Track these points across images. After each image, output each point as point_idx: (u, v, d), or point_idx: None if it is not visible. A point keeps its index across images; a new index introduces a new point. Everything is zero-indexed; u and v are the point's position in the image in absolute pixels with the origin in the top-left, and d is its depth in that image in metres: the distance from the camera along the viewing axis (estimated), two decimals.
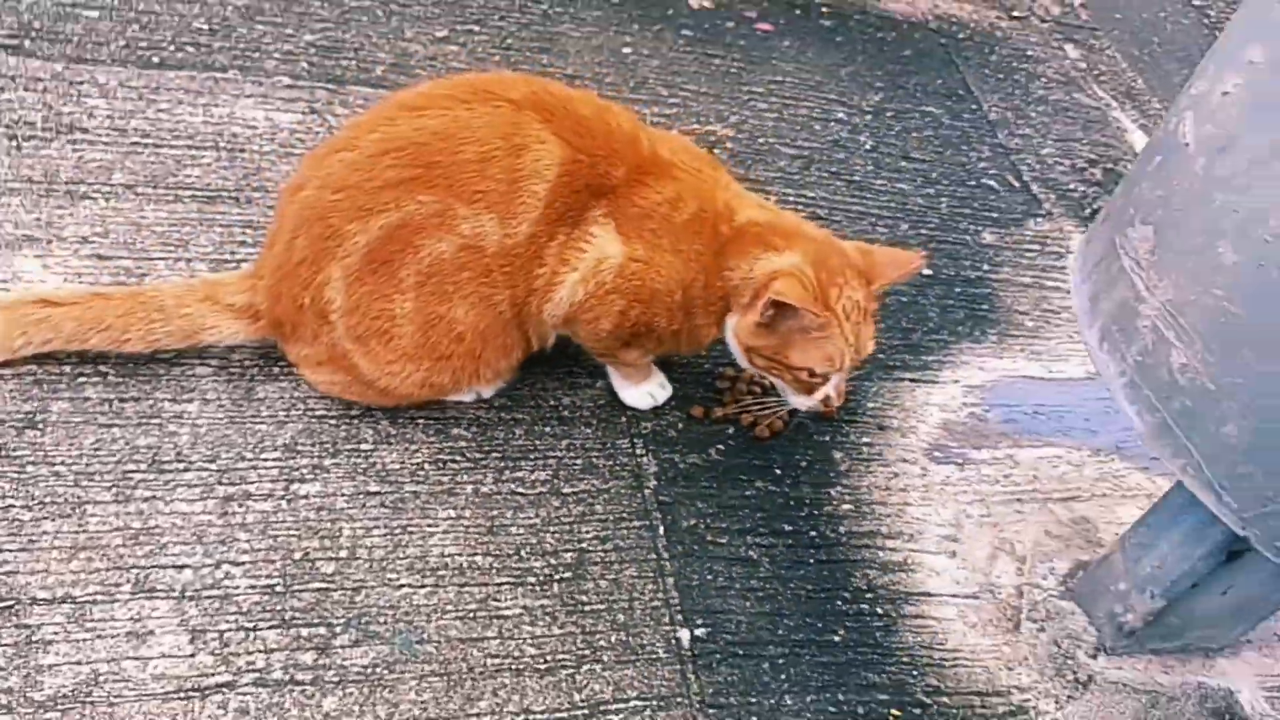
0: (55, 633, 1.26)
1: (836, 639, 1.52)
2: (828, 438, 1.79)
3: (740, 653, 1.46)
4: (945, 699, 1.48)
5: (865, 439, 1.81)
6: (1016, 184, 2.48)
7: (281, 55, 2.12)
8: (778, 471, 1.71)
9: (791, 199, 2.22)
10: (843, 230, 2.19)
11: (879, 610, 1.57)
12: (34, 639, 1.25)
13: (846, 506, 1.70)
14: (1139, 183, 1.29)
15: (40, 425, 1.44)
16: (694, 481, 1.66)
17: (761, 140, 2.34)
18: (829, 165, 2.35)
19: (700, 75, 2.45)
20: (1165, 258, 1.21)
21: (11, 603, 1.27)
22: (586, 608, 1.46)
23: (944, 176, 2.43)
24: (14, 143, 1.79)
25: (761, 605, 1.53)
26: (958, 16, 2.99)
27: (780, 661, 1.47)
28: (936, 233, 2.28)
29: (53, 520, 1.35)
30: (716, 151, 2.27)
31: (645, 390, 1.71)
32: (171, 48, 2.06)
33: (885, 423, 1.85)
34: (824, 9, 2.82)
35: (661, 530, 1.58)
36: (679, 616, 1.48)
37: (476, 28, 2.38)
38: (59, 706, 1.20)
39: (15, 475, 1.38)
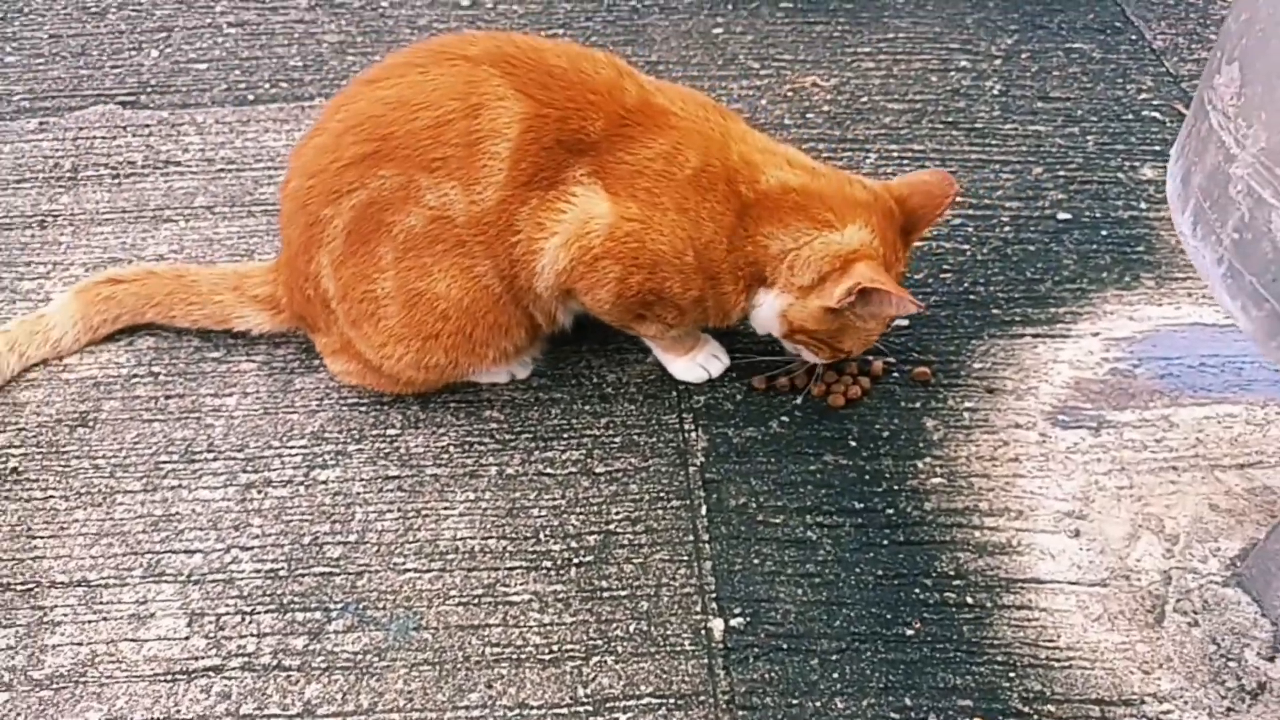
0: (65, 614, 1.27)
1: (909, 633, 1.25)
2: (918, 404, 1.53)
3: (784, 646, 1.24)
4: (1050, 707, 1.17)
5: (968, 404, 1.53)
6: (1187, 111, 2.07)
7: None
8: (852, 443, 1.47)
9: (895, 154, 1.98)
10: (959, 181, 1.91)
11: (969, 600, 1.28)
12: (45, 620, 1.26)
13: (937, 480, 1.42)
14: (1226, 22, 0.99)
15: (90, 423, 1.50)
16: (748, 457, 1.45)
17: (864, 99, 2.11)
18: (945, 115, 2.08)
19: (798, 44, 2.27)
20: (1252, 96, 0.91)
21: (33, 585, 1.30)
22: (605, 594, 1.29)
23: (1092, 113, 2.08)
24: (115, 179, 1.93)
25: (816, 593, 1.29)
26: None
27: (834, 658, 1.23)
28: (1079, 173, 1.94)
29: (84, 509, 1.39)
30: (806, 105, 2.07)
31: (695, 361, 1.53)
32: (266, 85, 2.17)
33: (995, 384, 1.55)
34: None
35: (704, 510, 1.39)
36: (713, 605, 1.28)
37: (562, 31, 2.34)
38: (53, 685, 1.20)
39: (60, 469, 1.44)
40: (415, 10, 2.39)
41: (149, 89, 2.16)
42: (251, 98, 2.13)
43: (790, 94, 2.12)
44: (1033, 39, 2.29)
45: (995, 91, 2.14)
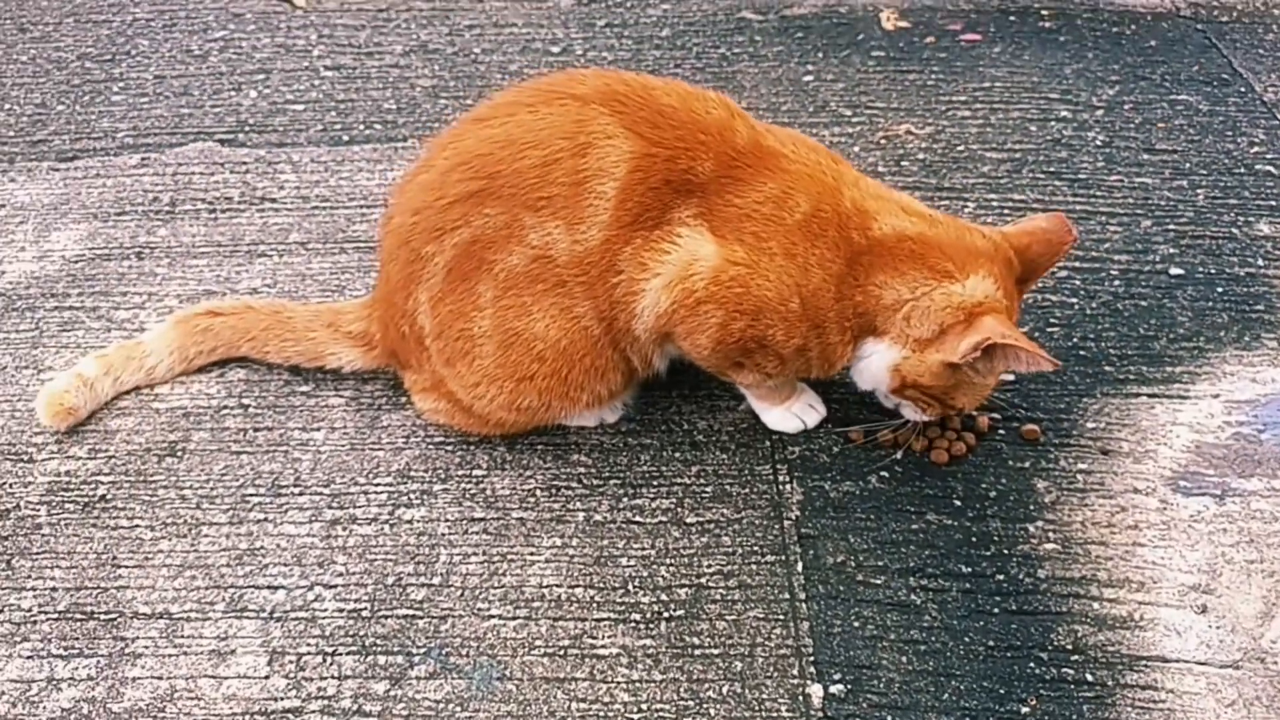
0: (146, 646, 1.25)
1: (1024, 710, 1.16)
2: (1027, 464, 1.45)
3: (888, 718, 1.16)
4: None
5: (1081, 466, 1.44)
6: None
7: None
8: (957, 503, 1.40)
9: (995, 203, 1.92)
10: None
11: (1089, 677, 1.19)
12: (127, 651, 1.24)
13: (1050, 546, 1.34)
14: None
15: (179, 453, 1.49)
16: (846, 512, 1.39)
17: (961, 147, 2.07)
18: (1046, 165, 2.02)
19: (890, 92, 2.24)
20: None
21: (116, 615, 1.28)
22: (697, 652, 1.23)
23: (1201, 166, 2.00)
24: (212, 214, 1.97)
25: (923, 661, 1.22)
26: (1220, 1, 2.54)
27: None
28: (1190, 227, 1.86)
29: (169, 540, 1.37)
30: (901, 153, 2.03)
31: (790, 411, 1.48)
32: (361, 126, 2.20)
33: (1111, 446, 1.47)
34: (1044, 12, 2.51)
35: (800, 567, 1.32)
36: (811, 669, 1.21)
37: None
38: (131, 718, 1.17)
39: (148, 498, 1.43)
40: (507, 56, 2.41)
41: (247, 128, 2.20)
42: (346, 138, 2.16)
43: (883, 141, 2.08)
44: (1135, 90, 2.23)
45: (1098, 142, 2.08)
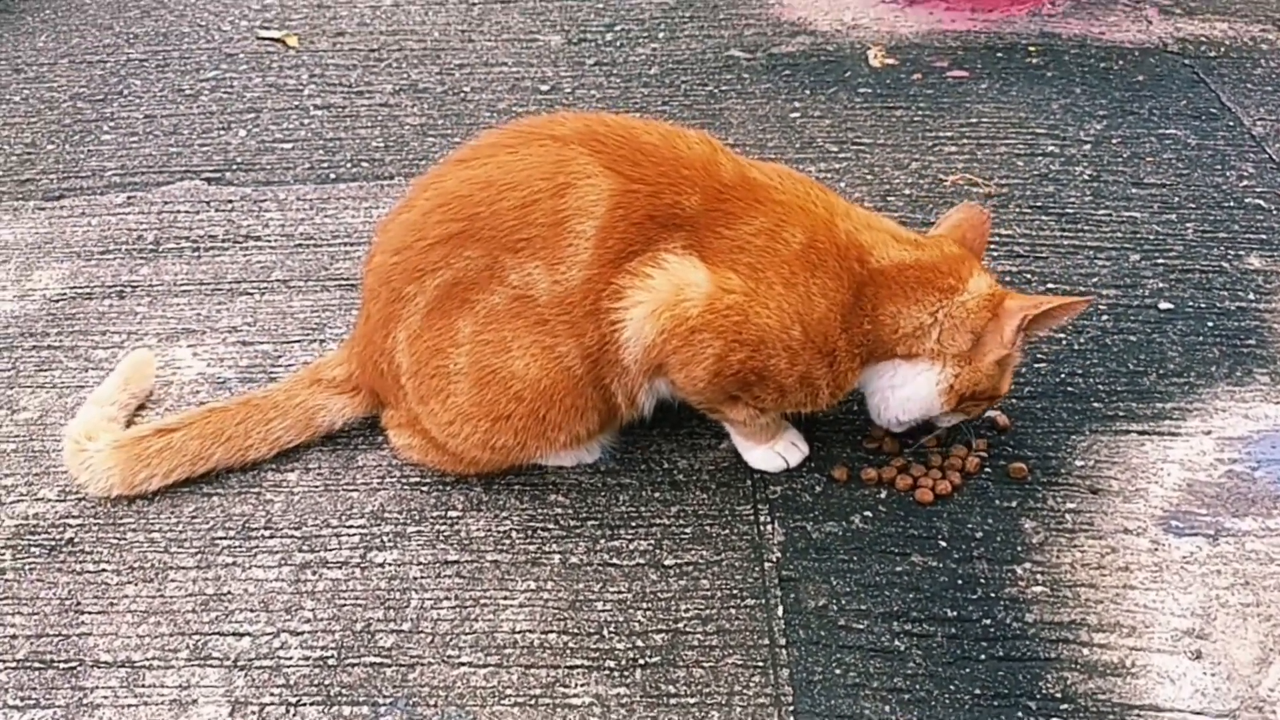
0: (105, 697, 1.21)
1: None
2: (1014, 503, 1.41)
3: None
4: None
5: (1070, 505, 1.41)
6: None
7: None
8: (942, 544, 1.36)
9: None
10: (1050, 267, 1.83)
11: None
12: (85, 701, 1.21)
13: (1038, 589, 1.30)
14: None
15: (150, 495, 1.46)
16: (828, 554, 1.35)
17: (947, 183, 2.05)
18: (1033, 200, 2.00)
19: (877, 129, 2.23)
20: None
21: (75, 664, 1.25)
22: (673, 701, 1.19)
23: (1190, 200, 1.99)
24: (195, 253, 1.96)
25: (907, 710, 1.17)
26: (1208, 36, 2.54)
27: None
28: (1179, 261, 1.83)
29: (135, 585, 1.34)
30: (888, 189, 2.01)
31: (774, 450, 1.45)
32: (349, 164, 2.20)
33: (1100, 484, 1.43)
34: (1030, 48, 2.51)
35: (780, 611, 1.28)
36: (791, 719, 1.17)
37: (639, 115, 2.34)
38: None
39: (115, 541, 1.40)
40: (496, 95, 2.42)
41: (235, 166, 2.20)
42: (333, 176, 2.16)
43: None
44: (1123, 125, 2.22)
45: (1085, 176, 2.06)
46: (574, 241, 1.26)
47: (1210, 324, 1.70)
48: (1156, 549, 1.34)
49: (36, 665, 1.24)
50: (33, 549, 1.39)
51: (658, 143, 1.31)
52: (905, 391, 1.36)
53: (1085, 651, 1.23)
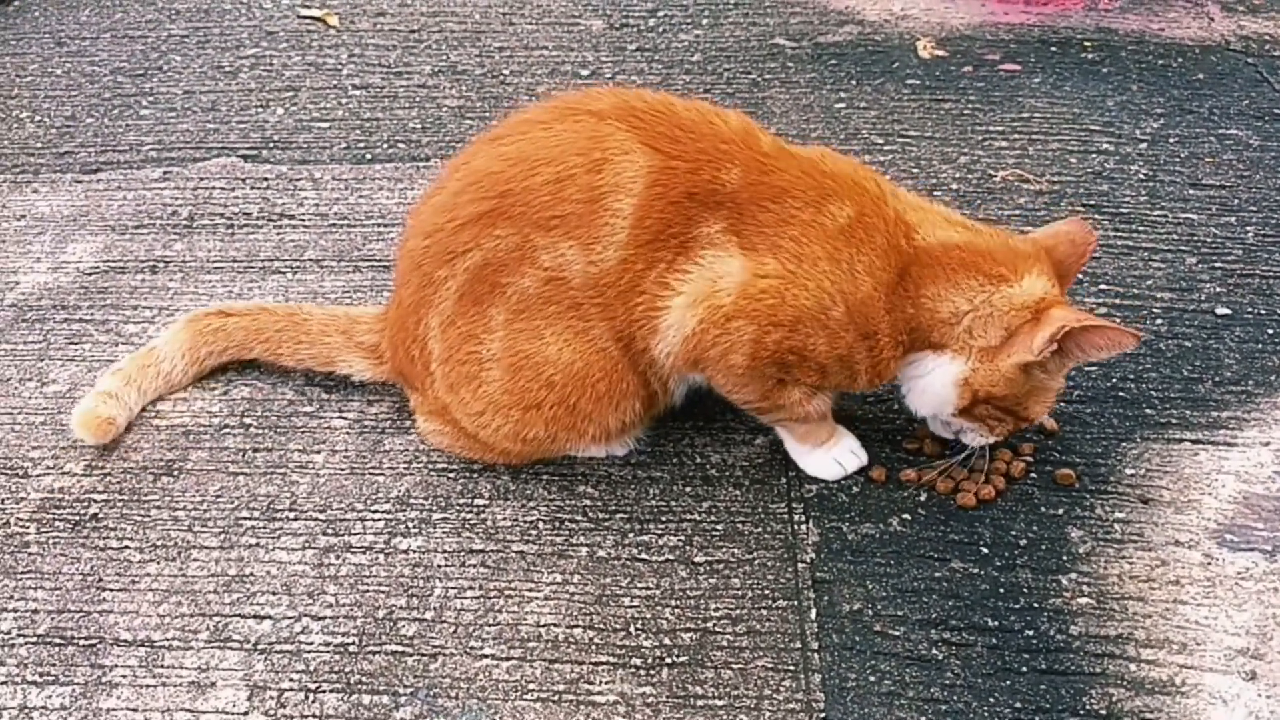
0: (124, 676, 1.20)
1: None
2: (1061, 511, 1.36)
3: None
4: None
5: (1118, 514, 1.35)
6: None
7: None
8: (984, 550, 1.31)
9: None
10: (1103, 268, 1.76)
11: None
12: (104, 680, 1.19)
13: (1084, 600, 1.25)
14: None
15: (176, 473, 1.45)
16: (865, 556, 1.31)
17: (997, 179, 1.99)
18: (1086, 199, 1.93)
19: (925, 121, 2.17)
20: None
21: (95, 641, 1.24)
22: (699, 702, 1.15)
23: (1251, 203, 1.91)
24: (229, 229, 1.94)
25: None
26: (1273, 35, 2.45)
27: None
28: (1238, 265, 1.76)
29: (158, 563, 1.33)
30: (934, 183, 1.95)
31: (831, 456, 1.39)
32: (385, 145, 2.18)
33: (1151, 494, 1.37)
34: (1086, 44, 2.43)
35: (813, 614, 1.24)
36: None
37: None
38: None
39: (139, 519, 1.39)
40: (535, 78, 2.38)
41: (271, 144, 2.19)
42: (369, 156, 2.14)
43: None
44: (1181, 124, 2.14)
45: (1141, 176, 1.99)
46: (610, 220, 1.22)
47: (1270, 331, 1.63)
48: (1210, 563, 1.28)
49: (57, 641, 1.23)
50: (57, 523, 1.38)
51: (695, 119, 1.27)
52: (924, 382, 1.30)
53: (1132, 668, 1.17)
